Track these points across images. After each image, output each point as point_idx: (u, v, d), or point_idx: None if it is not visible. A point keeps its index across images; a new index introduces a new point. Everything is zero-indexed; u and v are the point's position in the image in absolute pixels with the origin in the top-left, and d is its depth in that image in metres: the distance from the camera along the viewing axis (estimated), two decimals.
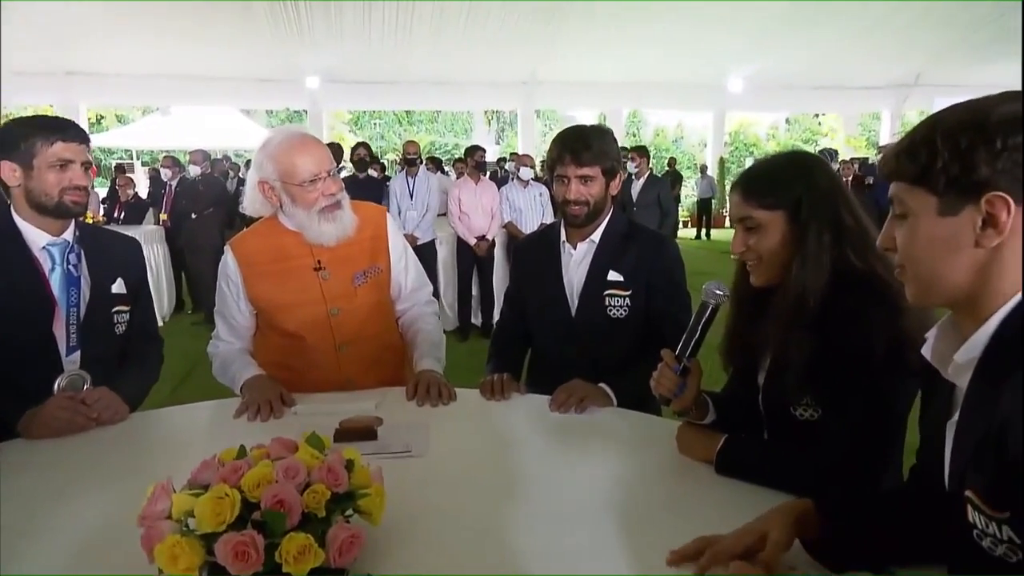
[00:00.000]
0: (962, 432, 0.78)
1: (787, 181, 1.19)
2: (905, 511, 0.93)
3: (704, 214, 14.46)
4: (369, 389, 1.76)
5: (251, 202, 1.76)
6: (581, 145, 1.72)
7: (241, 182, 9.78)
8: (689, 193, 16.55)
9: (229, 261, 1.79)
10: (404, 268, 1.92)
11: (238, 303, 1.80)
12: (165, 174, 7.01)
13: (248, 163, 9.96)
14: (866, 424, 1.11)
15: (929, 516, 0.88)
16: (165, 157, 7.36)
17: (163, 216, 7.07)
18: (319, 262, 1.76)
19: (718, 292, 1.24)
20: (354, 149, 6.54)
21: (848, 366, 1.11)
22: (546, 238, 1.94)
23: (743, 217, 1.22)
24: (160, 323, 7.02)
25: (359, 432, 1.42)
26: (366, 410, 1.58)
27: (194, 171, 6.67)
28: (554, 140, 1.79)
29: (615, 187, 1.81)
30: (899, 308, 1.07)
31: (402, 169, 6.15)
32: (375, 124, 24.97)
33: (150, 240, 6.66)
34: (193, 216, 6.52)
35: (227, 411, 1.63)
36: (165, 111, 15.52)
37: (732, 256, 1.27)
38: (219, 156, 11.28)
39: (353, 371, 1.79)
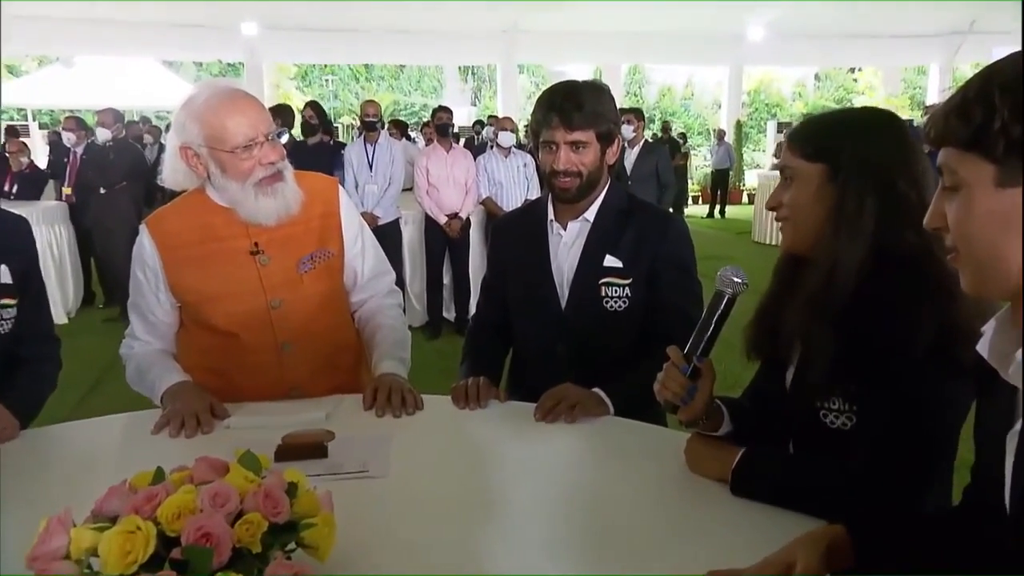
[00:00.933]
0: None
1: (836, 133, 1.22)
2: (956, 539, 0.94)
3: (720, 187, 14.51)
4: (319, 397, 1.74)
5: (171, 172, 1.72)
6: (572, 105, 1.71)
7: (162, 149, 9.67)
8: (700, 164, 16.64)
9: (145, 243, 1.75)
10: (360, 252, 1.91)
11: (157, 294, 1.77)
12: (68, 139, 6.89)
13: (150, 128, 9.72)
14: (908, 433, 1.12)
15: (986, 545, 0.89)
16: (67, 118, 7.23)
17: (66, 190, 6.96)
18: (256, 244, 1.74)
19: (735, 280, 1.25)
20: (301, 110, 6.49)
21: (887, 362, 1.12)
22: (531, 216, 1.93)
23: (784, 166, 1.27)
24: (64, 319, 6.92)
25: (306, 449, 1.41)
26: (315, 422, 1.57)
27: (103, 135, 6.53)
28: (539, 99, 1.78)
29: (612, 155, 1.80)
30: (954, 295, 1.08)
31: (360, 134, 6.10)
32: (327, 81, 24.78)
33: (50, 219, 6.57)
34: (103, 190, 6.41)
35: (143, 425, 1.61)
36: (68, 62, 15.23)
37: (768, 209, 1.31)
38: (136, 118, 11.13)
39: (299, 376, 1.78)
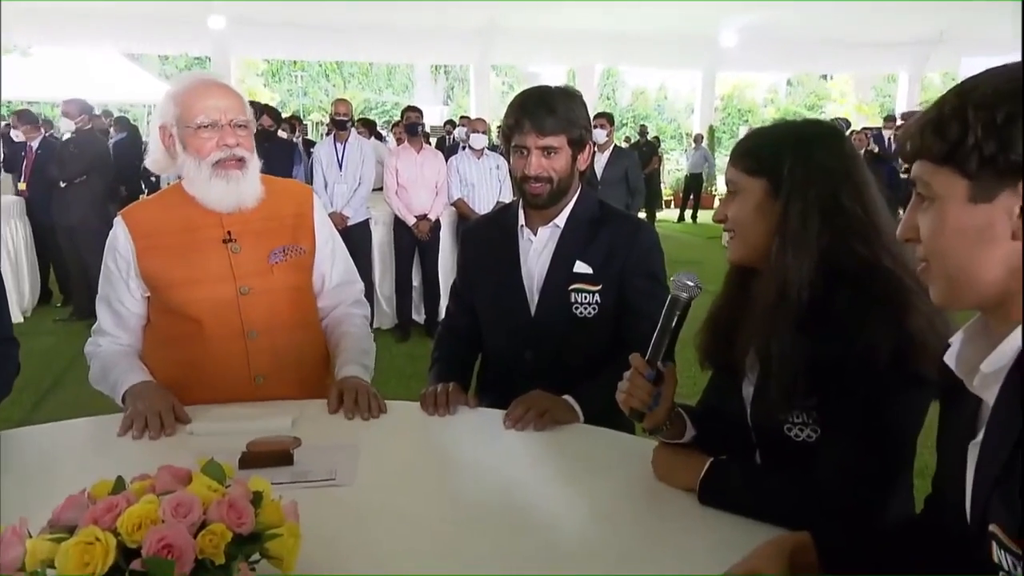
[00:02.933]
0: (986, 455, 0.81)
1: (777, 148, 1.24)
2: (918, 548, 0.96)
3: (693, 191, 14.65)
4: (284, 401, 1.74)
5: (152, 153, 1.79)
6: (544, 110, 1.72)
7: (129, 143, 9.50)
8: (673, 168, 16.78)
9: (119, 233, 1.78)
10: (330, 255, 1.93)
11: (127, 282, 1.79)
12: (15, 135, 6.73)
13: (117, 119, 9.54)
14: (871, 444, 1.14)
15: (946, 554, 0.91)
16: (15, 114, 7.05)
17: (21, 185, 6.80)
18: (229, 233, 1.77)
19: (689, 283, 1.27)
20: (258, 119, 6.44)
21: (846, 375, 1.14)
22: (501, 221, 1.94)
23: (728, 180, 1.30)
24: (20, 319, 6.77)
25: (271, 456, 1.40)
26: (280, 429, 1.56)
27: (67, 126, 6.39)
28: (511, 104, 1.79)
29: (584, 161, 1.82)
30: (906, 306, 1.11)
31: (329, 132, 6.06)
32: (296, 77, 24.56)
33: (5, 215, 6.41)
34: (62, 184, 6.25)
35: (104, 431, 1.59)
36: (25, 52, 14.91)
37: (714, 222, 1.35)
38: (97, 112, 10.90)
39: (264, 366, 1.79)
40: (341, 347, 1.88)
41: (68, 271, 6.43)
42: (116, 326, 1.82)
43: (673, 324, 1.27)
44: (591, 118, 1.87)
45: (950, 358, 0.87)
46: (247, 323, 1.78)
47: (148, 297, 1.81)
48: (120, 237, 1.78)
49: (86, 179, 6.24)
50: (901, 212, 0.90)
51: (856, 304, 1.15)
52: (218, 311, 1.76)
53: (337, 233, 1.99)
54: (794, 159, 1.21)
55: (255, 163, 1.75)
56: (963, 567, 0.86)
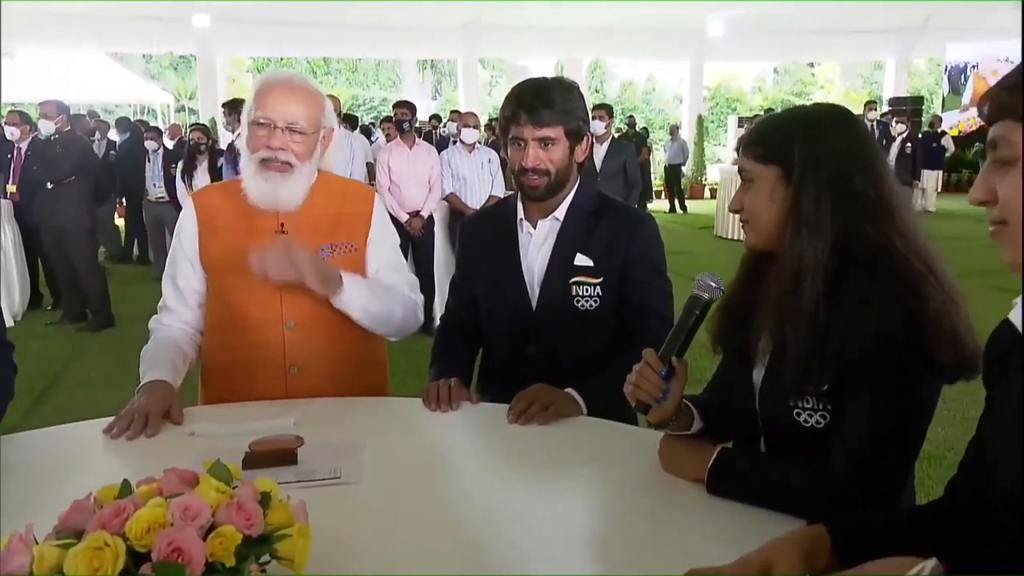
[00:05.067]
0: None
1: (787, 134, 1.24)
2: (940, 530, 0.95)
3: (674, 182, 14.68)
4: (285, 400, 1.73)
5: (242, 138, 1.85)
6: (541, 101, 1.71)
7: (111, 145, 9.44)
8: (662, 159, 16.82)
9: (187, 213, 1.88)
10: (378, 250, 1.92)
11: (191, 261, 1.87)
12: (11, 133, 6.65)
13: (119, 120, 9.50)
14: (885, 432, 1.14)
15: (971, 532, 0.90)
16: (11, 112, 6.99)
17: (11, 187, 6.73)
18: (282, 225, 1.81)
19: (712, 284, 1.26)
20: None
21: (860, 360, 1.14)
22: (500, 214, 1.93)
23: (740, 169, 1.30)
24: (10, 322, 6.72)
25: (275, 456, 1.39)
26: (282, 428, 1.55)
27: (46, 128, 6.33)
28: (508, 96, 1.78)
29: (581, 153, 1.81)
30: (919, 291, 1.10)
31: None
32: None
33: None
34: (50, 185, 6.20)
35: (101, 435, 1.57)
36: (8, 54, 14.78)
37: (731, 211, 1.36)
38: (82, 112, 10.81)
39: (300, 357, 1.82)
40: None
41: (64, 275, 6.37)
42: (178, 302, 1.89)
43: (691, 323, 1.27)
44: (588, 110, 1.86)
45: (1015, 317, 0.86)
46: (287, 313, 1.80)
47: (206, 279, 1.87)
48: (187, 217, 1.87)
49: (74, 180, 6.20)
50: None
51: (871, 288, 1.15)
52: (261, 298, 1.79)
53: (398, 239, 2.00)
54: (804, 143, 1.21)
55: (305, 169, 1.77)
56: (997, 548, 0.85)
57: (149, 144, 8.28)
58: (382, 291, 1.85)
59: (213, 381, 1.89)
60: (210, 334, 1.89)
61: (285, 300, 1.79)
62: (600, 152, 6.27)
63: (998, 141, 0.82)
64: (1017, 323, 0.87)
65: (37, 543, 0.85)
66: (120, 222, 9.93)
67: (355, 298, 1.77)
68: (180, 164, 7.13)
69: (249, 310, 1.80)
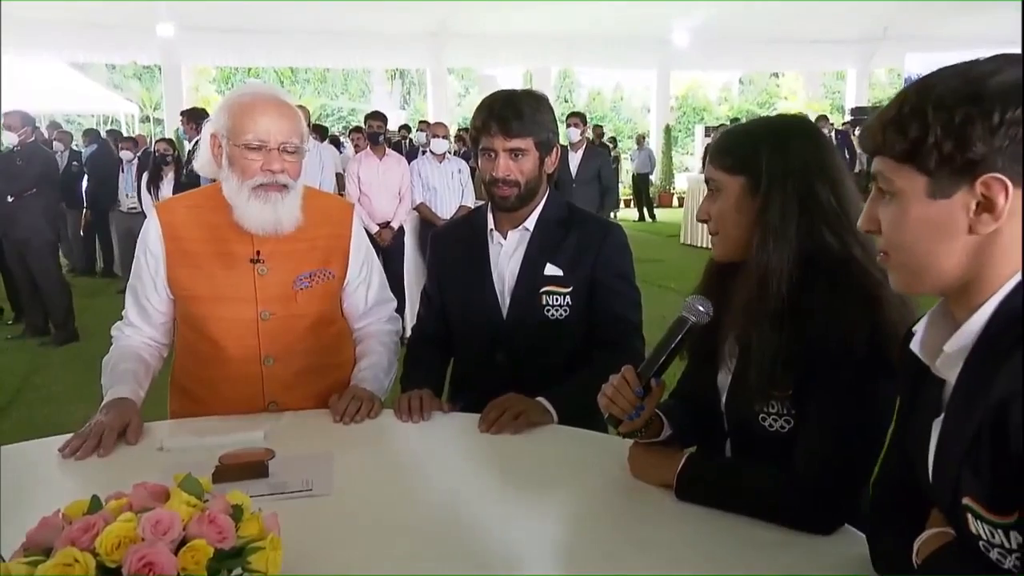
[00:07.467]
0: (951, 430, 0.84)
1: (752, 144, 1.27)
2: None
3: (642, 191, 14.84)
4: (256, 414, 1.72)
5: (200, 158, 1.76)
6: (511, 112, 1.73)
7: (74, 155, 9.27)
8: (630, 168, 16.98)
9: (152, 227, 1.77)
10: (365, 280, 1.91)
11: (155, 281, 1.78)
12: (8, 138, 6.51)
13: (86, 132, 9.33)
14: (849, 435, 1.17)
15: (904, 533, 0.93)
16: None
17: None
18: (258, 253, 1.74)
19: (701, 309, 1.27)
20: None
21: (823, 365, 1.17)
22: (471, 225, 1.95)
23: (707, 179, 1.32)
24: None
25: (246, 469, 1.38)
26: (252, 441, 1.54)
27: (9, 139, 6.21)
28: (479, 106, 1.80)
29: (551, 164, 1.83)
30: (878, 298, 1.14)
31: None
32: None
33: None
34: (10, 198, 6.07)
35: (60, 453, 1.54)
36: None
37: (698, 221, 1.37)
38: (42, 123, 10.61)
39: (278, 392, 1.78)
40: (362, 362, 1.88)
41: (25, 289, 6.23)
42: (141, 320, 1.82)
43: (674, 344, 1.27)
44: (557, 121, 1.89)
45: (915, 345, 0.90)
46: (264, 349, 1.75)
47: (174, 301, 1.80)
48: (152, 233, 1.76)
49: (36, 192, 6.08)
50: None
51: (832, 295, 1.18)
52: (237, 333, 1.74)
53: (373, 252, 1.97)
54: (771, 153, 1.24)
55: (298, 187, 1.72)
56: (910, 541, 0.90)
57: (124, 154, 8.15)
58: (388, 366, 1.89)
59: (183, 402, 1.84)
60: (181, 356, 1.83)
61: (263, 334, 1.75)
62: (575, 159, 6.32)
63: (878, 176, 0.87)
64: (916, 345, 0.90)
65: (4, 561, 0.84)
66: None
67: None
68: (145, 176, 7.03)
69: (223, 343, 1.75)
